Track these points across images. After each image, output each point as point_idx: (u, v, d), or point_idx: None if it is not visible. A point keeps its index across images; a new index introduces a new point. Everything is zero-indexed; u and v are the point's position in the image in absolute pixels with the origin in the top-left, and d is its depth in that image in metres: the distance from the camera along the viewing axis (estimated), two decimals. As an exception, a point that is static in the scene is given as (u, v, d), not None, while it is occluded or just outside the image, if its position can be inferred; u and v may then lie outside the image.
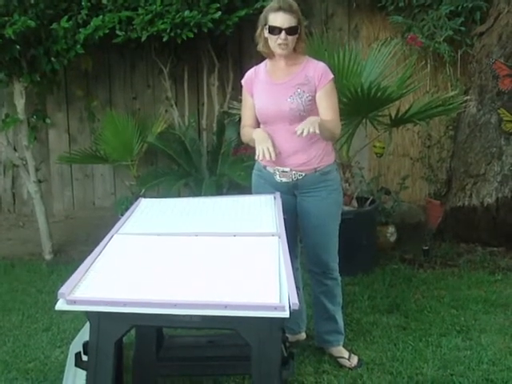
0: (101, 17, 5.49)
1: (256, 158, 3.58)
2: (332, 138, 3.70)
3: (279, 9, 3.49)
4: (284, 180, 3.67)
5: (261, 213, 3.40)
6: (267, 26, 3.53)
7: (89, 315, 2.42)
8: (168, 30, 5.55)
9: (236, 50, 6.60)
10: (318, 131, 3.35)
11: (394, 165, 6.84)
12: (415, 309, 4.56)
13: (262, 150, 3.50)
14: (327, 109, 3.60)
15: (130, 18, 5.61)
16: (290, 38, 3.50)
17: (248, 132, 3.73)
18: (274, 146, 3.52)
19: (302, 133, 3.35)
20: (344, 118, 4.70)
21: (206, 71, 6.47)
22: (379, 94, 4.72)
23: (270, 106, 3.62)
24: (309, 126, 3.35)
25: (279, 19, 3.48)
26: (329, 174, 3.70)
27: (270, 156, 3.47)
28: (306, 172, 3.64)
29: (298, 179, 3.66)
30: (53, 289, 4.82)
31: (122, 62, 6.76)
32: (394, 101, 4.95)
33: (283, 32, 3.48)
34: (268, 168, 3.72)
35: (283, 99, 3.58)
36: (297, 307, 2.22)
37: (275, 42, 3.52)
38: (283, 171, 3.65)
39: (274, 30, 3.49)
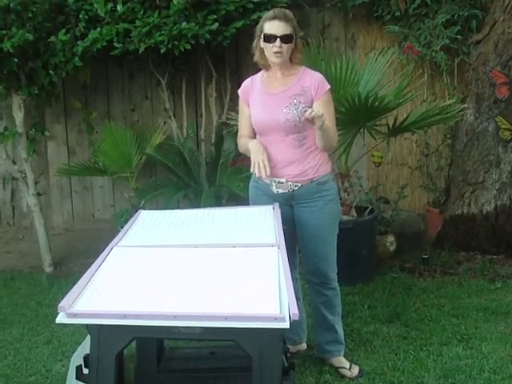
0: (98, 29, 5.51)
1: (251, 170, 3.59)
2: (329, 146, 3.69)
3: (274, 17, 3.52)
4: (280, 191, 3.67)
5: (260, 223, 3.40)
6: (262, 35, 3.54)
7: (89, 328, 2.42)
8: (165, 42, 5.57)
9: (233, 60, 6.63)
10: (319, 122, 3.37)
11: (393, 174, 6.86)
12: (416, 318, 4.55)
13: (258, 165, 3.51)
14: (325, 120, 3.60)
15: (128, 30, 5.63)
16: (284, 46, 3.51)
17: (244, 142, 3.74)
18: (268, 160, 3.54)
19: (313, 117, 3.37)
20: (342, 127, 4.72)
21: (203, 82, 6.49)
22: (377, 103, 4.72)
23: (265, 117, 3.63)
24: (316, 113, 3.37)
25: (274, 27, 3.50)
26: (325, 184, 3.69)
27: (265, 171, 3.49)
28: (301, 183, 3.64)
29: (294, 190, 3.66)
30: (53, 301, 4.82)
31: (119, 74, 6.78)
32: (391, 110, 4.96)
33: (278, 40, 3.49)
34: (264, 179, 3.71)
35: (279, 110, 3.58)
36: (297, 318, 2.22)
37: (270, 50, 3.53)
38: (279, 182, 3.66)
39: (269, 38, 3.51)
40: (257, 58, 3.67)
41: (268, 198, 3.73)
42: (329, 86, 3.65)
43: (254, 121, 3.70)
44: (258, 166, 3.52)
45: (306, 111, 3.37)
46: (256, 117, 3.69)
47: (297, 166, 3.63)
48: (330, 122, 3.60)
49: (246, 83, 3.81)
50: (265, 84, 3.71)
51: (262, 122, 3.65)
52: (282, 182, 3.66)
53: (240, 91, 3.82)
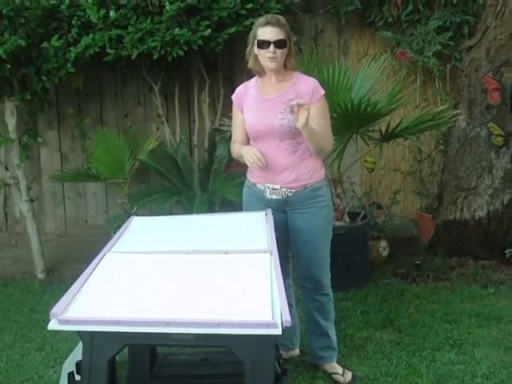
0: (91, 35, 5.52)
1: (249, 166, 3.58)
2: (321, 150, 3.67)
3: (267, 23, 3.53)
4: (274, 197, 3.67)
5: (253, 230, 3.41)
6: (256, 41, 3.55)
7: (81, 334, 2.42)
8: (158, 48, 5.57)
9: (226, 66, 6.63)
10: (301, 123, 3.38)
11: (386, 179, 6.86)
12: (408, 323, 4.56)
13: (252, 159, 3.51)
14: (320, 125, 3.60)
15: (121, 36, 5.64)
16: (278, 51, 3.52)
17: (238, 148, 3.74)
18: (261, 152, 3.54)
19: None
20: (335, 133, 4.67)
21: (196, 88, 6.49)
22: (369, 109, 4.74)
23: (259, 122, 3.62)
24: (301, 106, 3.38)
25: (267, 33, 3.51)
26: (319, 190, 3.69)
27: (262, 162, 3.49)
28: (295, 189, 3.64)
29: (288, 196, 3.65)
30: (46, 308, 4.81)
31: (112, 80, 6.77)
32: (384, 116, 4.97)
33: (272, 45, 3.49)
34: (258, 185, 3.72)
35: (274, 115, 3.57)
36: (289, 324, 2.22)
37: (264, 56, 3.54)
38: (273, 188, 3.65)
39: (263, 44, 3.51)
40: (251, 64, 3.67)
41: (261, 203, 3.73)
42: (324, 91, 3.66)
43: (249, 126, 3.70)
44: (253, 160, 3.51)
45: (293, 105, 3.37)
46: (250, 122, 3.68)
47: (291, 171, 3.63)
48: (324, 127, 3.62)
49: (239, 89, 3.82)
50: (259, 89, 3.71)
51: (257, 127, 3.65)
52: (276, 188, 3.66)
53: (234, 97, 3.82)
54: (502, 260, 5.57)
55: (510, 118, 5.54)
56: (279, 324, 2.24)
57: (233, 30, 5.68)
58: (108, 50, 5.67)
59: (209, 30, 5.59)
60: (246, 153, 3.58)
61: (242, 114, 3.75)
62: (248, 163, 3.58)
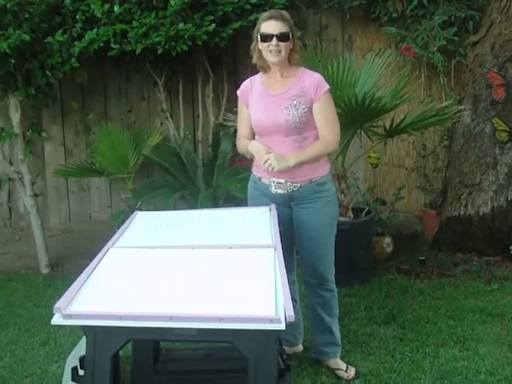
0: (95, 30, 5.52)
1: (266, 168, 3.58)
2: (322, 156, 3.71)
3: (270, 17, 3.54)
4: (279, 191, 3.67)
5: (256, 225, 3.40)
6: (259, 35, 3.55)
7: (85, 329, 2.42)
8: (162, 43, 5.57)
9: (230, 61, 6.62)
10: (276, 168, 3.49)
11: (390, 175, 6.86)
12: (412, 319, 4.55)
13: (265, 163, 3.52)
14: (324, 121, 3.61)
15: (125, 31, 5.63)
16: (282, 44, 3.52)
17: (244, 143, 3.74)
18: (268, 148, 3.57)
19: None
20: (339, 128, 4.72)
21: (200, 83, 6.49)
22: (373, 104, 4.73)
23: (265, 118, 3.62)
24: (274, 162, 3.48)
25: (271, 27, 3.52)
26: (324, 185, 3.70)
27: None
28: (301, 183, 3.64)
29: (293, 191, 3.65)
30: (50, 303, 4.80)
31: (116, 75, 6.77)
32: (388, 111, 4.96)
33: (274, 38, 3.50)
34: (263, 179, 3.72)
35: (279, 111, 3.57)
36: (293, 319, 2.22)
37: (267, 50, 3.54)
38: (278, 183, 3.65)
39: (266, 38, 3.52)
40: (255, 60, 3.67)
41: (267, 198, 3.72)
42: (328, 86, 3.65)
43: (254, 122, 3.70)
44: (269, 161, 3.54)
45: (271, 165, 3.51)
46: (256, 118, 3.68)
47: (296, 166, 3.62)
48: (329, 123, 3.64)
49: (245, 84, 3.81)
50: (264, 85, 3.71)
51: (262, 123, 3.65)
52: (281, 183, 3.66)
53: (239, 92, 3.82)
54: (506, 256, 5.57)
55: (514, 113, 5.54)
56: (283, 319, 2.23)
57: (237, 25, 5.68)
58: (112, 45, 5.67)
59: (213, 25, 5.58)
60: (253, 148, 3.59)
61: (248, 110, 3.74)
62: (262, 162, 3.57)
